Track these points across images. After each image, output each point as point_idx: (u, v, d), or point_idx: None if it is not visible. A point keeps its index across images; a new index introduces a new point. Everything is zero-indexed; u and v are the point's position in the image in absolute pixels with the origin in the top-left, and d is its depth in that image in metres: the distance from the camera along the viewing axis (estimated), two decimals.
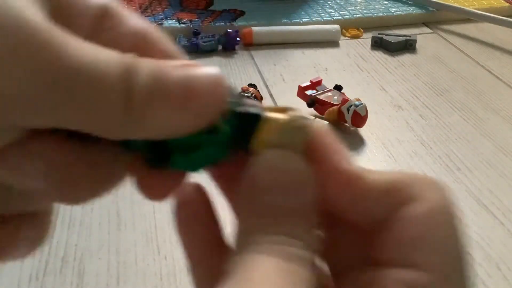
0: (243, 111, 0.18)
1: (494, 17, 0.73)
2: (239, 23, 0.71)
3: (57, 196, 0.19)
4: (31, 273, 0.34)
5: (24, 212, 0.18)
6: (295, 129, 0.18)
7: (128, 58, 0.16)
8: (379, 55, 0.67)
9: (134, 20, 0.20)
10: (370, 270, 0.17)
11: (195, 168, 0.20)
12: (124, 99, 0.15)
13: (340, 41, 0.70)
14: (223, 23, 0.70)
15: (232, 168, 0.19)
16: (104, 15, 0.19)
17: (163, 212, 0.40)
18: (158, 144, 0.18)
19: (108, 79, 0.15)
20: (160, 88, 0.16)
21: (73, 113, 0.15)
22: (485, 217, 0.40)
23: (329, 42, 0.70)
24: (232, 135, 0.18)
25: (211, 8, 0.76)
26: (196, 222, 0.21)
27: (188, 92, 0.16)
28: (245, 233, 0.17)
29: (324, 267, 0.19)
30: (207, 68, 0.17)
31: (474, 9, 0.77)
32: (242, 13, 0.74)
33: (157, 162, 0.19)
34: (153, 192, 0.20)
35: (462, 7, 0.76)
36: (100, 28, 0.19)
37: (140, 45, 0.19)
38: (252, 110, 0.18)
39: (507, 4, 0.81)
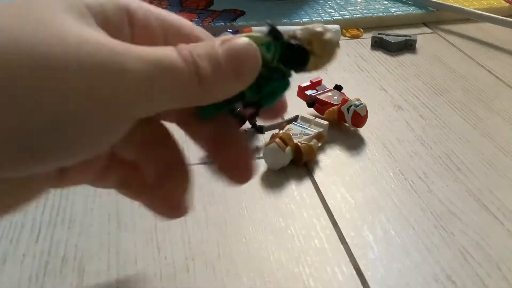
0: (290, 46, 0.24)
1: (494, 17, 0.73)
2: (239, 23, 0.71)
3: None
4: (31, 273, 0.34)
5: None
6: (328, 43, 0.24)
7: (183, 49, 0.21)
8: (379, 55, 0.67)
9: (156, 12, 0.24)
10: None
11: (275, 97, 0.27)
12: (196, 78, 0.21)
13: (340, 41, 0.70)
14: (223, 23, 0.70)
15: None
16: (129, 14, 0.23)
17: None
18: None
19: (178, 69, 0.20)
20: (216, 64, 0.21)
21: (168, 97, 0.21)
22: (485, 217, 0.40)
23: None
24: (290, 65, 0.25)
25: (211, 8, 0.76)
26: None
27: (236, 62, 0.22)
28: None
29: None
30: (239, 39, 0.22)
31: (474, 9, 0.77)
32: (242, 13, 0.74)
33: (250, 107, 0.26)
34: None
35: (462, 7, 0.76)
36: (132, 25, 0.23)
37: (172, 33, 0.24)
38: (293, 42, 0.24)
39: (507, 4, 0.81)
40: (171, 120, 0.27)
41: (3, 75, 0.18)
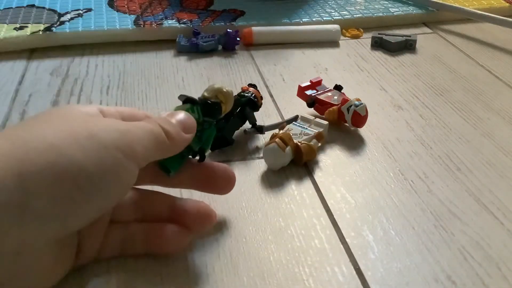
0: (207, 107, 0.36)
1: (494, 17, 0.73)
2: (239, 23, 0.71)
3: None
4: None
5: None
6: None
7: (155, 121, 0.33)
8: (379, 55, 0.67)
9: (119, 110, 0.35)
10: None
11: (210, 141, 0.38)
12: (165, 137, 0.33)
13: (340, 41, 0.70)
14: (223, 23, 0.70)
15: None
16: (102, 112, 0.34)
17: None
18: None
19: (156, 133, 0.32)
20: (174, 128, 0.33)
21: (154, 150, 0.32)
22: (485, 217, 0.40)
23: (329, 42, 0.70)
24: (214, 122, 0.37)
25: (211, 8, 0.76)
26: None
27: (183, 124, 0.34)
28: None
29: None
30: (179, 113, 0.35)
31: (474, 9, 0.77)
32: (242, 13, 0.74)
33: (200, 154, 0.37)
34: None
35: (462, 7, 0.76)
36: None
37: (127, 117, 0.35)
38: (207, 100, 0.36)
39: (507, 4, 0.81)
40: (146, 183, 0.37)
41: None
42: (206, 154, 0.38)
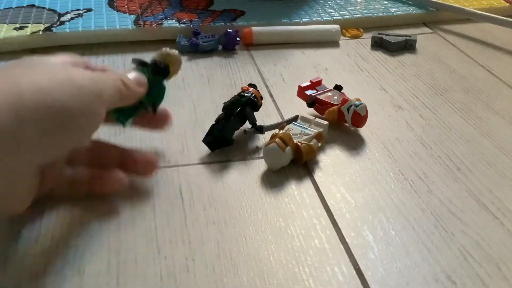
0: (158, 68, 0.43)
1: (494, 17, 0.73)
2: (239, 23, 0.71)
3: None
4: (31, 273, 0.34)
5: None
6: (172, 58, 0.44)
7: (116, 74, 0.40)
8: (379, 55, 0.67)
9: None
10: None
11: (162, 96, 0.44)
12: (125, 87, 0.39)
13: (340, 41, 0.70)
14: (223, 23, 0.70)
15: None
16: None
17: (163, 212, 0.40)
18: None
19: (119, 85, 0.39)
20: (131, 82, 0.40)
21: (117, 97, 0.38)
22: (485, 217, 0.40)
23: (329, 42, 0.70)
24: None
25: (211, 8, 0.76)
26: None
27: (137, 80, 0.41)
28: None
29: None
30: (133, 73, 0.42)
31: (474, 9, 0.77)
32: (242, 13, 0.74)
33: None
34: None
35: (462, 7, 0.76)
36: None
37: None
38: (157, 62, 0.43)
39: (507, 4, 0.81)
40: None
41: None
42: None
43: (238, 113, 0.47)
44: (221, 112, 0.48)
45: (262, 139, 0.49)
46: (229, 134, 0.47)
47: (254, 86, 0.50)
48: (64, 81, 0.34)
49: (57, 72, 0.35)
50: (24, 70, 0.34)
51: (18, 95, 0.32)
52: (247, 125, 0.48)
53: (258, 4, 0.77)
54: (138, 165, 0.42)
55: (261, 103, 0.50)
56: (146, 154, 0.43)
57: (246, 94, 0.48)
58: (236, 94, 0.49)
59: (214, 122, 0.47)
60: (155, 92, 0.43)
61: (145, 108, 0.43)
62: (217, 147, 0.47)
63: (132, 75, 0.41)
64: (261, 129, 0.48)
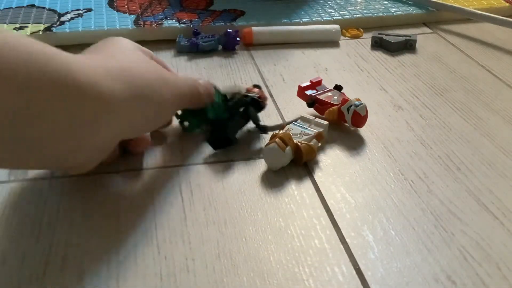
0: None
1: (494, 17, 0.73)
2: (239, 23, 0.71)
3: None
4: (31, 273, 0.34)
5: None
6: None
7: (192, 80, 0.46)
8: (379, 55, 0.67)
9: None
10: None
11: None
12: (199, 94, 0.46)
13: (340, 41, 0.70)
14: (223, 23, 0.70)
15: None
16: None
17: (163, 212, 0.40)
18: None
19: (196, 90, 0.46)
20: (204, 91, 0.46)
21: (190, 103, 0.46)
22: (485, 217, 0.40)
23: (329, 42, 0.70)
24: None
25: (211, 8, 0.76)
26: None
27: (208, 91, 0.47)
28: None
29: None
30: (204, 82, 0.47)
31: (474, 9, 0.77)
32: (242, 13, 0.74)
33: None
34: None
35: (462, 7, 0.76)
36: None
37: None
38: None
39: (507, 4, 0.81)
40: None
41: None
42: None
43: (242, 113, 0.47)
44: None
45: (266, 139, 0.49)
46: (233, 134, 0.47)
47: (258, 86, 0.50)
48: (161, 80, 0.41)
49: (159, 71, 0.42)
50: (138, 65, 0.40)
51: (133, 77, 0.39)
52: (251, 124, 0.48)
53: (258, 4, 0.77)
54: (131, 141, 0.44)
55: (266, 104, 0.50)
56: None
57: (250, 95, 0.48)
58: (240, 94, 0.49)
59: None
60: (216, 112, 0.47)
61: (206, 123, 0.48)
62: (221, 146, 0.47)
63: (202, 83, 0.46)
64: (264, 129, 0.48)
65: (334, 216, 0.40)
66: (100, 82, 0.35)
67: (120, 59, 0.40)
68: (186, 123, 0.49)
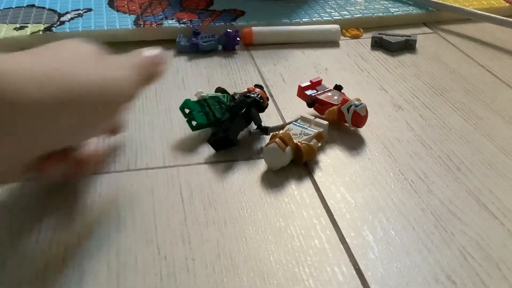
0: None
1: (494, 17, 0.73)
2: (239, 23, 0.71)
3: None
4: (31, 273, 0.34)
5: None
6: None
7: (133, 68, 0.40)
8: (379, 55, 0.67)
9: None
10: None
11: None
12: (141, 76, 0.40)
13: (340, 41, 0.70)
14: (223, 23, 0.70)
15: None
16: None
17: (163, 212, 0.40)
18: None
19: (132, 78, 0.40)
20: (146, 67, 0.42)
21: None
22: (485, 217, 0.40)
23: (329, 42, 0.70)
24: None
25: (211, 8, 0.76)
26: None
27: (153, 64, 0.42)
28: None
29: None
30: (148, 53, 0.42)
31: (474, 9, 0.77)
32: (242, 13, 0.74)
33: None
34: None
35: (462, 7, 0.76)
36: None
37: None
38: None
39: (507, 4, 0.81)
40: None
41: None
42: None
43: (244, 114, 0.47)
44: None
45: (266, 139, 0.49)
46: (234, 134, 0.47)
47: (260, 87, 0.50)
48: (107, 78, 0.37)
49: (103, 68, 0.38)
50: (79, 65, 0.37)
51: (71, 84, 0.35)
52: (253, 126, 0.48)
53: (258, 4, 0.77)
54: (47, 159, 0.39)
55: (267, 104, 0.50)
56: (95, 153, 0.44)
57: (252, 95, 0.48)
58: (241, 94, 0.49)
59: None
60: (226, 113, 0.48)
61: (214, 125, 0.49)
62: (222, 147, 0.47)
63: (148, 53, 0.42)
64: (266, 130, 0.48)
65: (334, 216, 0.40)
66: (21, 86, 0.32)
67: (55, 62, 0.36)
68: (194, 123, 0.48)
